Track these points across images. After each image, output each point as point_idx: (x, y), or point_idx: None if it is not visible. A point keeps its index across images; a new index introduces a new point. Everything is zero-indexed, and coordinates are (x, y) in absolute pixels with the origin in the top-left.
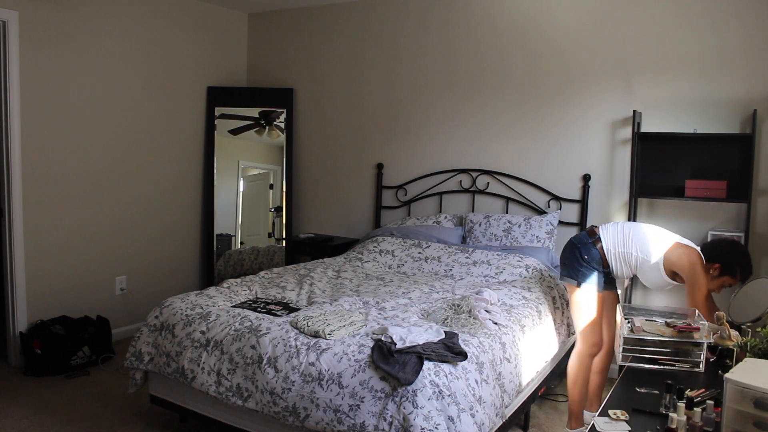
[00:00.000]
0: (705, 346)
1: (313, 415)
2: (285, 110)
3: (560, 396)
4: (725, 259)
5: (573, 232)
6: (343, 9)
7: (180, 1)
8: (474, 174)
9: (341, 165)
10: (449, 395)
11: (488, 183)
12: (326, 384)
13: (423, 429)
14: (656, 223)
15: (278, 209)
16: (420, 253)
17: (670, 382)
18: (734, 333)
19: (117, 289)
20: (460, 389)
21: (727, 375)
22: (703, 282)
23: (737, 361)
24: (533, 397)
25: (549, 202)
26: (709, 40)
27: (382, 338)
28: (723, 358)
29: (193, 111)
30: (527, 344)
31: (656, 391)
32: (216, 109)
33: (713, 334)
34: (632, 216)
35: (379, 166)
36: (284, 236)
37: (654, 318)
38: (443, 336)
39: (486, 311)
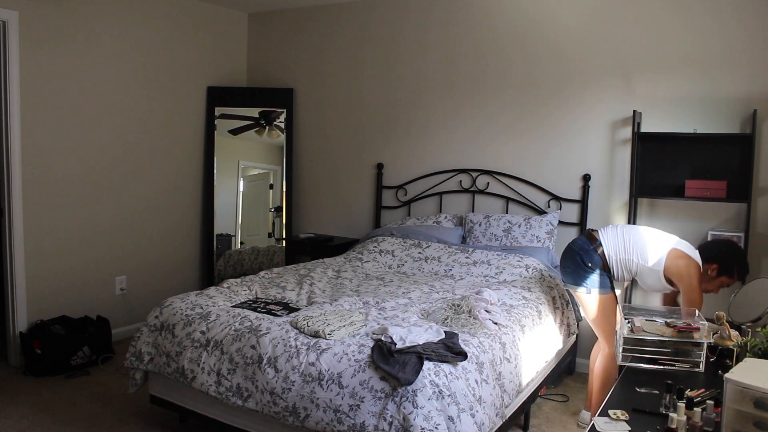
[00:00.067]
0: (705, 346)
1: (313, 415)
2: (285, 110)
3: (560, 396)
4: (723, 260)
5: (573, 232)
6: (343, 9)
7: (180, 1)
8: (474, 174)
9: (341, 165)
10: (449, 395)
11: (488, 183)
12: (326, 384)
13: (423, 429)
14: (656, 224)
15: (278, 209)
16: (420, 253)
17: (670, 382)
18: (734, 333)
19: (117, 289)
20: (460, 389)
21: (727, 375)
22: (698, 298)
23: (737, 361)
24: (533, 397)
25: (549, 202)
26: (709, 40)
27: (382, 338)
28: (723, 358)
29: (193, 111)
30: (527, 344)
31: (656, 391)
32: (216, 109)
33: (713, 334)
34: (632, 216)
35: (379, 166)
36: (284, 236)
37: (654, 318)
38: (443, 336)
39: (486, 311)
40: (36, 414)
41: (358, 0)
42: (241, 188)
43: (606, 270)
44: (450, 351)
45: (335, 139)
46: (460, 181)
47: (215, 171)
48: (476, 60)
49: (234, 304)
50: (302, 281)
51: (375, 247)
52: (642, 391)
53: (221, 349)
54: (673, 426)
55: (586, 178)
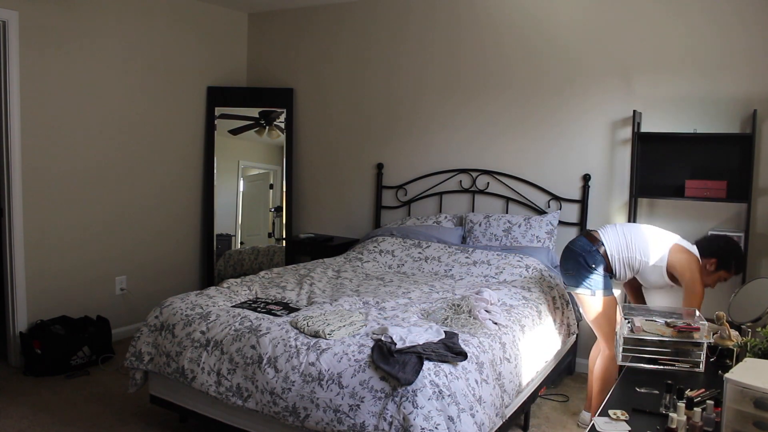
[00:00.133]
0: (705, 346)
1: (313, 415)
2: (285, 110)
3: (560, 396)
4: (722, 255)
5: (573, 232)
6: (343, 9)
7: (180, 1)
8: (474, 174)
9: (341, 165)
10: (449, 395)
11: (488, 183)
12: (326, 384)
13: (423, 429)
14: (656, 224)
15: (278, 209)
16: (420, 253)
17: (670, 382)
18: (734, 333)
19: (117, 288)
20: (460, 389)
21: (727, 375)
22: (701, 290)
23: (737, 361)
24: (533, 397)
25: (549, 202)
26: (709, 40)
27: (382, 338)
28: (723, 358)
29: (193, 111)
30: (527, 344)
31: (656, 391)
32: (216, 109)
33: (713, 334)
34: (632, 216)
35: (380, 166)
36: (284, 236)
37: (654, 318)
38: (443, 336)
39: (486, 311)
40: (36, 414)
41: (359, 0)
42: (241, 188)
43: (608, 271)
44: (450, 351)
45: (335, 139)
46: (460, 181)
47: (215, 171)
48: (477, 60)
49: (234, 304)
50: (302, 281)
51: (375, 247)
52: (642, 391)
53: (221, 349)
54: (673, 426)
55: (586, 178)
